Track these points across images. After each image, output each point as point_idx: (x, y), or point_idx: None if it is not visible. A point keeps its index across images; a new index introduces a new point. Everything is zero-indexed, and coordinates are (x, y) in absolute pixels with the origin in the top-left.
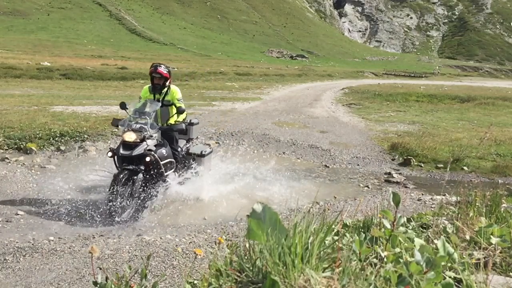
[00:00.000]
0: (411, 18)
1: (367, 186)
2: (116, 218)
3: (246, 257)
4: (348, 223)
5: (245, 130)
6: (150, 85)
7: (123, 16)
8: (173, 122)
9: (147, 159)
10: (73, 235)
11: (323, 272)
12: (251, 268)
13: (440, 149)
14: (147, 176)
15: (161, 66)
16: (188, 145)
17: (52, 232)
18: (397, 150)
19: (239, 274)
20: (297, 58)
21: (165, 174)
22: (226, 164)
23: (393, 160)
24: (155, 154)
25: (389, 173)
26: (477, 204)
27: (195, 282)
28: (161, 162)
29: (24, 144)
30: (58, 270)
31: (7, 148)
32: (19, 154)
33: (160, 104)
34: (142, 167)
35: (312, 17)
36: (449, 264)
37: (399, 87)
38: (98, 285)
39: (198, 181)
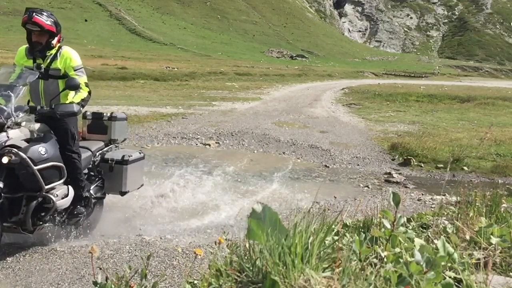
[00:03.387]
0: (411, 18)
1: (367, 186)
2: None
3: (246, 257)
4: (348, 223)
5: (245, 130)
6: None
7: (123, 16)
8: (66, 103)
9: (4, 160)
10: (73, 235)
11: (323, 272)
12: (251, 268)
13: (440, 149)
14: (10, 190)
15: (41, 14)
16: (105, 149)
17: (52, 231)
18: (397, 150)
19: (239, 274)
20: (297, 58)
21: (45, 186)
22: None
23: (393, 160)
24: (21, 153)
25: (389, 173)
26: (477, 204)
27: (195, 282)
28: (36, 167)
29: None
30: (58, 270)
31: None
32: None
33: (37, 73)
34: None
35: (312, 17)
36: (449, 264)
37: (399, 87)
38: (98, 285)
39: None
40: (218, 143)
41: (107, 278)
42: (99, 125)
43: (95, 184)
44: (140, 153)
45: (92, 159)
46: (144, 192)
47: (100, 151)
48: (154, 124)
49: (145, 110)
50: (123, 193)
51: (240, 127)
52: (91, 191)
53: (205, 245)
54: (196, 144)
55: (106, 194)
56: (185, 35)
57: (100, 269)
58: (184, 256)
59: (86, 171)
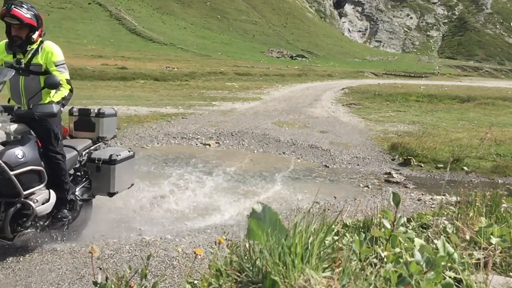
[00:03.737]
0: (411, 18)
1: (367, 186)
2: None
3: (246, 257)
4: (348, 223)
5: (245, 130)
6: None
7: (123, 16)
8: (46, 102)
9: None
10: (73, 235)
11: (323, 272)
12: (251, 268)
13: (440, 149)
14: None
15: (21, 7)
16: (92, 147)
17: (51, 231)
18: (397, 150)
19: (239, 274)
20: (297, 58)
21: (23, 192)
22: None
23: (393, 160)
24: None
25: (389, 173)
26: (477, 204)
27: (195, 282)
28: (12, 172)
29: None
30: (58, 270)
31: None
32: None
33: (12, 71)
34: None
35: (312, 17)
36: (449, 264)
37: (399, 87)
38: (98, 285)
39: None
40: (218, 143)
41: (107, 278)
42: (86, 122)
43: (82, 185)
44: (129, 151)
45: (78, 159)
46: (144, 193)
47: (87, 150)
48: (154, 124)
49: (145, 110)
50: (111, 194)
51: (240, 127)
52: (77, 193)
53: (205, 245)
54: (196, 144)
55: (94, 196)
56: (185, 35)
57: (100, 269)
58: (184, 256)
59: (71, 171)
